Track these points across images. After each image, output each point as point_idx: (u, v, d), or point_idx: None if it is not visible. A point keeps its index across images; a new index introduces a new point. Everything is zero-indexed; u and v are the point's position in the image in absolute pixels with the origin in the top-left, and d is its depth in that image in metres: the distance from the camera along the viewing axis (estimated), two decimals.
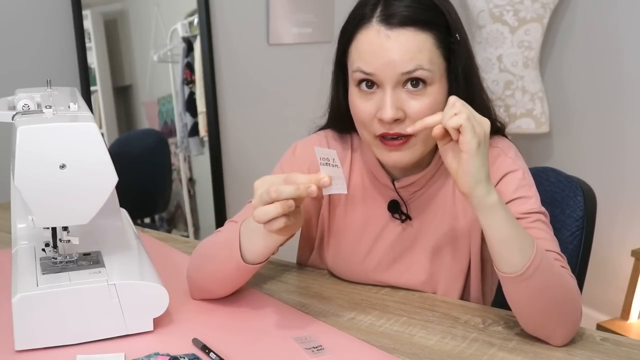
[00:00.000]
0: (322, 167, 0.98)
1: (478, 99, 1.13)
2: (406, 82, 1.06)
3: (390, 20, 1.05)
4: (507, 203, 1.10)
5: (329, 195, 1.21)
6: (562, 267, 1.05)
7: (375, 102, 1.07)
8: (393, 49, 1.04)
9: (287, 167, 1.23)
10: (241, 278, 1.13)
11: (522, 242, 0.98)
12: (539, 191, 1.15)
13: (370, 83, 1.07)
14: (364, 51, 1.07)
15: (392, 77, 1.05)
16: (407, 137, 1.08)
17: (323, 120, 1.28)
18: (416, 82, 1.06)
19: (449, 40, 1.08)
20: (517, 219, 1.08)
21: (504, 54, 2.53)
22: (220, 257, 1.10)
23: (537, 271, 0.97)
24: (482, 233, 1.16)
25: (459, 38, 1.09)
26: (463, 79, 1.10)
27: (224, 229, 1.18)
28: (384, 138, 1.09)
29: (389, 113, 1.05)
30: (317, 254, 1.31)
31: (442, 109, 1.07)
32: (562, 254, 1.08)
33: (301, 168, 1.22)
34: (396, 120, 1.06)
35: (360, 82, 1.08)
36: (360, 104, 1.09)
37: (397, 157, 1.10)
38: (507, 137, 1.21)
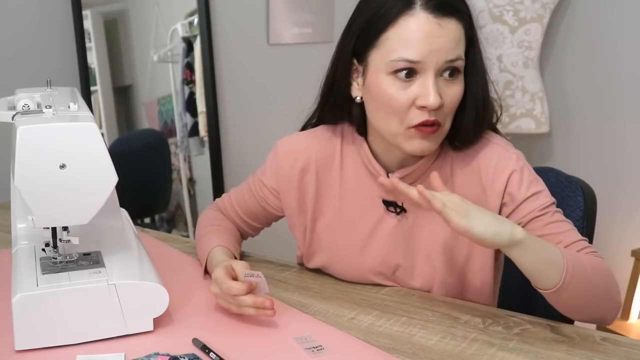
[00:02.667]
0: (246, 278, 1.08)
1: (488, 93, 1.15)
2: (444, 71, 1.08)
3: (436, 8, 1.06)
4: (521, 203, 1.13)
5: (317, 192, 1.25)
6: (591, 252, 1.10)
7: (415, 90, 1.08)
8: (442, 36, 1.06)
9: (275, 172, 1.27)
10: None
11: (552, 259, 1.02)
12: None
13: (409, 71, 1.08)
14: (410, 38, 1.07)
15: (437, 65, 1.07)
16: (439, 124, 1.10)
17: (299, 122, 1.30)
18: (452, 71, 1.08)
19: (470, 33, 1.11)
20: (537, 216, 1.12)
21: (504, 54, 2.53)
22: (200, 251, 1.30)
23: (573, 278, 1.02)
24: None
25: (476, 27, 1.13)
26: (481, 70, 1.13)
27: (215, 214, 1.37)
28: (418, 125, 1.09)
29: (436, 100, 1.06)
30: (309, 251, 1.30)
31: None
32: (584, 238, 1.13)
33: (284, 167, 1.25)
34: (438, 108, 1.08)
35: (398, 70, 1.08)
36: (396, 92, 1.09)
37: (426, 145, 1.11)
38: (499, 132, 1.23)
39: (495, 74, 2.55)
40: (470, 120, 1.14)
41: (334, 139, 1.25)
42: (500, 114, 1.22)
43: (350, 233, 1.23)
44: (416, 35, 1.06)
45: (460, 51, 1.08)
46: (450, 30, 1.07)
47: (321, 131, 1.26)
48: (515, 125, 2.57)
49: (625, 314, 2.39)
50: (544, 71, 2.66)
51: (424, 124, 1.09)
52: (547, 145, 2.76)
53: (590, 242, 1.34)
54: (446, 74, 1.08)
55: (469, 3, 1.13)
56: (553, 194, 1.16)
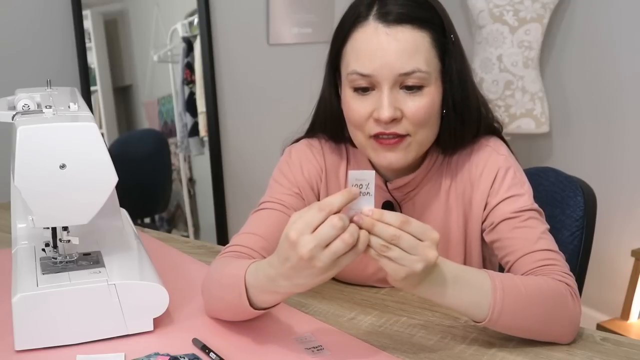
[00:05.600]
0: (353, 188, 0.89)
1: (472, 100, 1.12)
2: (403, 83, 1.05)
3: (387, 17, 1.04)
4: (498, 204, 1.12)
5: (328, 194, 1.21)
6: (549, 265, 1.04)
7: (372, 102, 1.06)
8: (391, 47, 1.03)
9: (288, 172, 1.21)
10: (254, 315, 1.04)
11: (477, 295, 0.96)
12: (539, 191, 1.15)
13: (366, 83, 1.06)
14: (360, 51, 1.06)
15: (389, 78, 1.04)
16: (402, 135, 1.08)
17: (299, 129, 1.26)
18: (411, 84, 1.05)
19: (443, 41, 1.07)
20: (508, 219, 1.10)
21: (504, 54, 2.53)
22: (229, 300, 1.01)
23: (504, 308, 0.96)
24: (482, 233, 1.16)
25: (453, 39, 1.08)
26: (457, 80, 1.09)
27: (229, 260, 1.07)
28: (378, 137, 1.08)
29: (387, 112, 1.04)
30: None
31: (438, 110, 1.09)
32: (556, 250, 1.07)
33: (302, 172, 1.21)
34: (393, 120, 1.06)
35: (355, 83, 1.07)
36: (355, 104, 1.08)
37: (393, 157, 1.09)
38: (503, 139, 1.21)
39: (495, 74, 2.55)
40: (448, 127, 1.11)
41: (341, 146, 1.23)
42: (501, 124, 1.20)
43: None
44: (365, 47, 1.05)
45: (418, 63, 1.04)
46: (401, 41, 1.03)
47: (329, 146, 1.23)
48: (515, 125, 2.57)
49: (625, 314, 2.39)
50: (544, 71, 2.66)
51: (381, 135, 1.07)
52: (547, 145, 2.76)
53: (590, 242, 1.35)
54: (405, 87, 1.05)
55: (440, 7, 1.08)
56: (553, 193, 1.16)
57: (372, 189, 0.88)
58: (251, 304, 0.98)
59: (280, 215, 1.15)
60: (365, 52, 1.05)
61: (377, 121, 1.06)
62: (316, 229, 0.84)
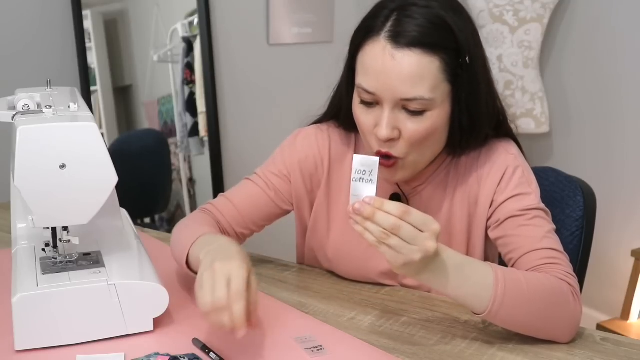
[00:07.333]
0: (354, 183, 0.92)
1: (483, 117, 1.12)
2: (405, 106, 1.05)
3: (398, 38, 1.03)
4: (504, 201, 1.12)
5: (328, 188, 1.24)
6: (551, 264, 1.05)
7: (374, 117, 1.08)
8: (395, 72, 1.02)
9: (287, 153, 1.25)
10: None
11: (479, 286, 0.97)
12: None
13: (370, 98, 1.07)
14: (367, 67, 1.06)
15: (391, 100, 1.04)
16: (396, 158, 1.09)
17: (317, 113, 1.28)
18: (414, 108, 1.05)
19: (456, 63, 1.05)
20: (514, 216, 1.11)
21: (504, 54, 2.53)
22: (177, 254, 1.17)
23: (505, 301, 0.97)
24: (486, 231, 1.16)
25: (468, 61, 1.06)
26: (466, 104, 1.08)
27: (200, 215, 1.23)
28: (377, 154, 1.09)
29: (384, 132, 1.05)
30: (313, 249, 1.30)
31: (441, 131, 1.09)
32: (560, 251, 1.08)
33: (299, 157, 1.24)
34: (391, 140, 1.07)
35: (361, 96, 1.08)
36: (361, 115, 1.10)
37: (388, 174, 1.11)
38: (517, 141, 1.22)
39: (495, 74, 2.55)
40: (454, 138, 1.12)
41: (351, 135, 1.25)
42: (515, 129, 1.22)
43: (355, 232, 1.22)
44: (372, 65, 1.05)
45: (421, 91, 1.02)
46: (406, 67, 1.02)
47: (338, 134, 1.25)
48: (515, 125, 2.57)
49: (625, 314, 2.39)
50: (544, 71, 2.66)
51: (378, 155, 1.07)
52: (547, 145, 2.76)
53: (590, 242, 1.35)
54: (407, 108, 1.05)
55: (459, 26, 1.05)
56: (553, 193, 1.16)
57: (374, 177, 0.91)
58: (189, 266, 1.11)
59: (261, 193, 1.25)
60: (371, 70, 1.05)
61: (376, 137, 1.08)
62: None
